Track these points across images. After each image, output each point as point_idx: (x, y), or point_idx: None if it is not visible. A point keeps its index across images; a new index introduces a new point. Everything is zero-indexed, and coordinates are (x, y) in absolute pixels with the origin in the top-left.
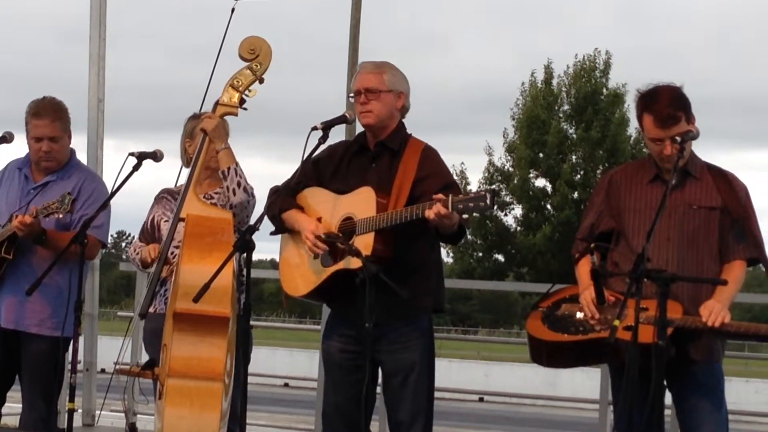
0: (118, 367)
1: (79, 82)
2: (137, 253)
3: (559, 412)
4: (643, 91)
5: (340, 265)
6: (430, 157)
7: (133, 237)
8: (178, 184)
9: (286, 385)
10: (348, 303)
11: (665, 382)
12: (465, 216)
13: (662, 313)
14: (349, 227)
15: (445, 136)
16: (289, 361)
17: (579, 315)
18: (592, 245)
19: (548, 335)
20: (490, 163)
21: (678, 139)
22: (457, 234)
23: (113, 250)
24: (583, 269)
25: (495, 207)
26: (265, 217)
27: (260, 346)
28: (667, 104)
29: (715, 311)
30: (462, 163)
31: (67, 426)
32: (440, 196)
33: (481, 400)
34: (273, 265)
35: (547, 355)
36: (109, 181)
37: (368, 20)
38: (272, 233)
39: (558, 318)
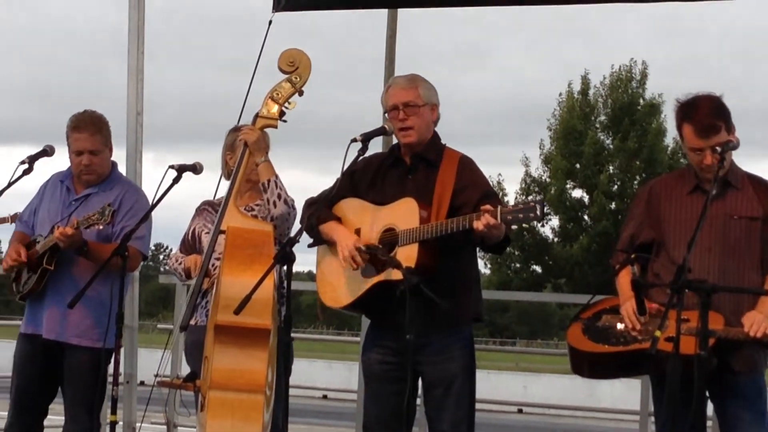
0: (159, 379)
1: (118, 95)
2: (179, 263)
3: (599, 424)
4: (682, 101)
5: (381, 276)
6: (467, 166)
7: (171, 249)
8: (218, 197)
9: (325, 397)
10: (388, 314)
11: (707, 393)
12: (513, 227)
13: (704, 324)
14: (390, 238)
15: (482, 147)
16: (328, 373)
17: (620, 326)
18: (633, 256)
19: (589, 346)
20: (527, 174)
21: (718, 149)
22: (501, 243)
23: (151, 263)
24: (624, 280)
25: (544, 217)
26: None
27: (298, 358)
28: (707, 114)
29: (757, 322)
30: (499, 174)
31: None
32: (489, 207)
33: (520, 411)
34: (310, 277)
35: (588, 366)
36: (148, 193)
37: (404, 32)
38: (310, 245)
39: (599, 329)
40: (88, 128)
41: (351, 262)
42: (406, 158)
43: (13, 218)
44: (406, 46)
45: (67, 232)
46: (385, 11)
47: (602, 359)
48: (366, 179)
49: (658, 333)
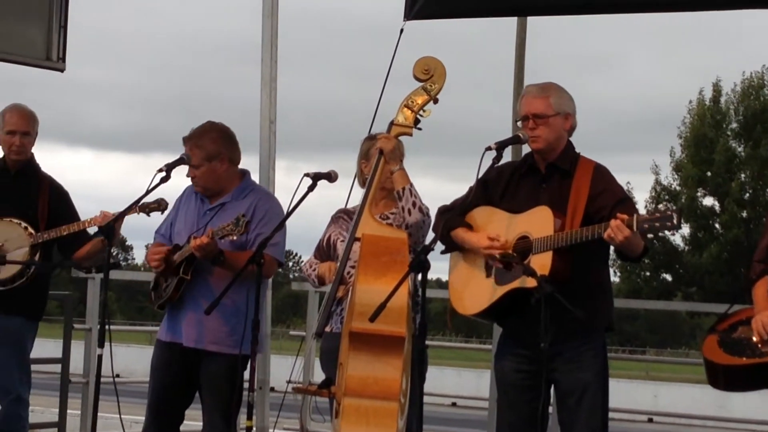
0: (294, 385)
1: (252, 103)
2: (313, 270)
3: None
4: None
5: (515, 284)
6: (602, 174)
7: (300, 257)
8: (350, 204)
9: (454, 404)
10: (522, 322)
11: None
12: (649, 236)
13: None
14: (524, 246)
15: (612, 155)
16: (457, 381)
17: (756, 337)
18: None
19: (724, 359)
20: (657, 182)
21: None
22: (640, 253)
23: (280, 270)
24: (759, 291)
25: (681, 227)
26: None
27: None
28: None
29: None
30: (627, 182)
31: None
32: (624, 216)
33: (650, 420)
34: (439, 284)
35: (725, 379)
36: (281, 201)
37: (534, 40)
38: (443, 252)
39: (734, 341)
40: (189, 141)
41: (493, 252)
42: (540, 167)
43: (160, 204)
44: (535, 53)
45: (203, 242)
46: (514, 19)
47: (739, 372)
48: (499, 188)
49: None
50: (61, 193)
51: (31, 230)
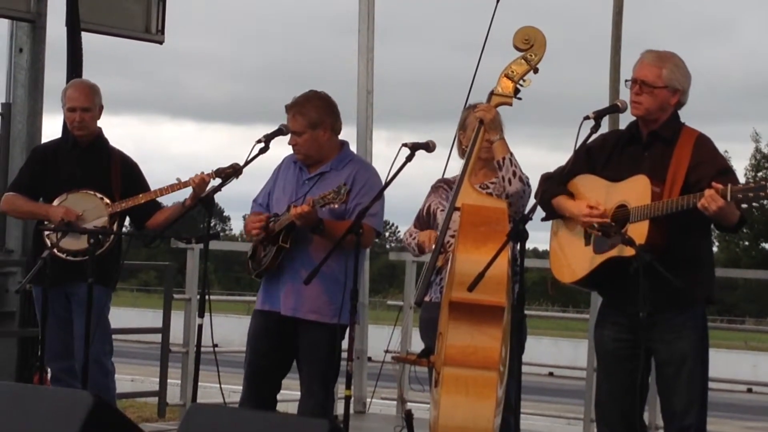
0: (393, 355)
1: (349, 74)
2: (413, 238)
3: None
4: None
5: (613, 252)
6: (704, 144)
7: (397, 227)
8: (446, 175)
9: (551, 374)
10: (621, 291)
11: None
12: (743, 206)
13: None
14: (622, 215)
15: (711, 123)
16: (554, 350)
17: None
18: None
19: None
20: (757, 150)
21: None
22: (737, 224)
23: (377, 240)
24: None
25: None
26: (538, 207)
27: None
28: None
29: None
30: (726, 150)
31: (344, 413)
32: (718, 185)
33: (749, 390)
34: (535, 254)
35: None
36: (379, 170)
37: (633, 8)
38: (543, 219)
39: None
40: (290, 109)
41: (593, 220)
42: (642, 136)
43: (235, 169)
44: (635, 21)
45: (304, 211)
46: None
47: None
48: (602, 156)
49: None
50: (132, 165)
51: (107, 200)
